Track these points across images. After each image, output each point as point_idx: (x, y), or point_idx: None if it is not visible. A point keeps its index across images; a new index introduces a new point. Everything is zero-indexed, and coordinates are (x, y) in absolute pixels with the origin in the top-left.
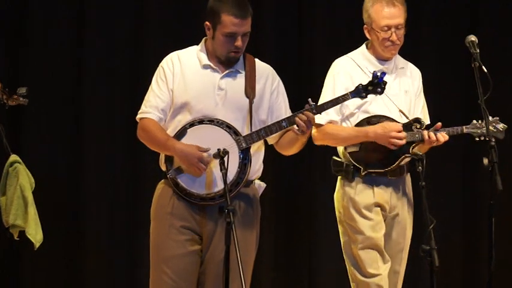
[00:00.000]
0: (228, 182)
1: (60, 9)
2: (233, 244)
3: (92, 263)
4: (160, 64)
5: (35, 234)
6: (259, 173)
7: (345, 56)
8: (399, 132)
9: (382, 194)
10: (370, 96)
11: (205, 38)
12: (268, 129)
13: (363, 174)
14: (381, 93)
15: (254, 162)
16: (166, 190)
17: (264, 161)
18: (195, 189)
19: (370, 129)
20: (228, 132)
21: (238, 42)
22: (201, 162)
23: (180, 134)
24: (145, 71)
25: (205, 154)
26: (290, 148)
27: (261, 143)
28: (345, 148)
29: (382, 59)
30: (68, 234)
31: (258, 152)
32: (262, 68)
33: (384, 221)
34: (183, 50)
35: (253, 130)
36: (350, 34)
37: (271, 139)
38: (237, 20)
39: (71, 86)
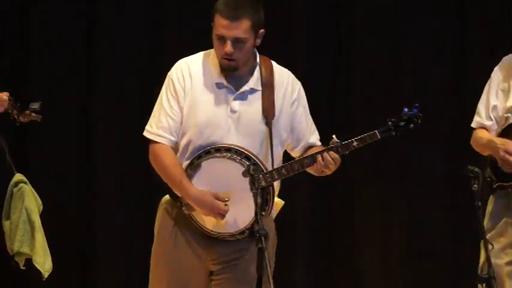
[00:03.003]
0: (247, 221)
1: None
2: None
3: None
4: (170, 75)
5: (43, 263)
6: (276, 192)
7: None
8: None
9: None
10: None
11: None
12: (290, 168)
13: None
14: (415, 126)
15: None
16: (172, 215)
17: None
18: (212, 227)
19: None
20: (246, 166)
21: (227, 48)
22: (219, 212)
23: (192, 168)
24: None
25: (222, 204)
26: (314, 173)
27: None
28: None
29: None
30: (79, 260)
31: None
32: (280, 76)
33: None
34: (193, 59)
35: (274, 154)
36: None
37: (295, 152)
38: (225, 22)
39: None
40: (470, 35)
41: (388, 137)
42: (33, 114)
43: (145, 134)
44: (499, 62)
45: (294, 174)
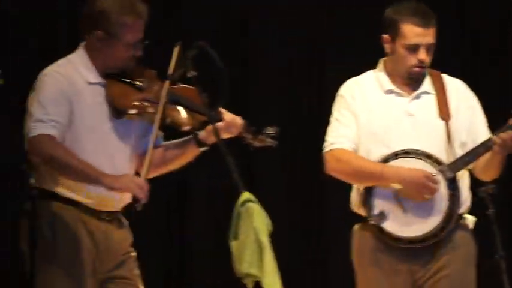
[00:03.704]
0: (439, 220)
1: None
2: None
3: None
4: (339, 93)
5: (273, 285)
6: (468, 203)
7: None
8: None
9: None
10: None
11: (383, 59)
12: (475, 153)
13: None
14: None
15: (462, 191)
16: (366, 238)
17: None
18: (403, 233)
19: None
20: (429, 162)
21: (422, 55)
22: (431, 182)
23: None
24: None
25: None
26: (489, 171)
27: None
28: None
29: None
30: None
31: (462, 180)
32: (453, 84)
33: None
34: (359, 77)
35: (455, 156)
36: None
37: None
38: (419, 29)
39: None
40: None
41: None
42: (268, 140)
43: (324, 152)
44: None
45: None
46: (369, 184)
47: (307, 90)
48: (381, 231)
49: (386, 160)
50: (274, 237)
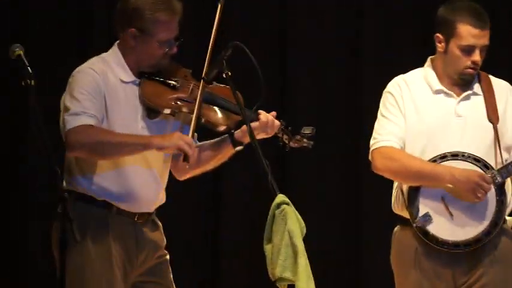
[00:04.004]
0: (486, 225)
1: None
2: None
3: None
4: (387, 90)
5: None
6: (511, 206)
7: None
8: None
9: None
10: None
11: (430, 57)
12: None
13: None
14: None
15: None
16: (408, 240)
17: None
18: (448, 236)
19: None
20: (478, 166)
21: (476, 57)
22: (485, 181)
23: None
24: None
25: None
26: None
27: None
28: None
29: None
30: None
31: (507, 184)
32: (500, 86)
33: None
34: (407, 74)
35: (501, 159)
36: None
37: None
38: (476, 31)
39: None
40: None
41: None
42: (305, 140)
43: (371, 149)
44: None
45: None
46: (417, 183)
47: (345, 90)
48: (426, 234)
49: (433, 161)
50: (308, 240)
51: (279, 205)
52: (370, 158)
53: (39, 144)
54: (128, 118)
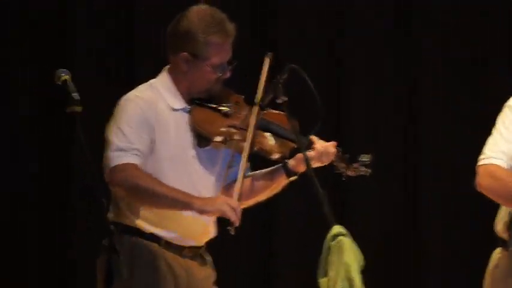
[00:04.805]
0: None
1: None
2: None
3: None
4: (507, 104)
5: None
6: None
7: None
8: None
9: None
10: None
11: None
12: None
13: None
14: None
15: None
16: (505, 264)
17: None
18: None
19: None
20: None
21: None
22: None
23: None
24: None
25: None
26: None
27: None
28: None
29: None
30: None
31: None
32: None
33: None
34: None
35: None
36: None
37: None
38: None
39: None
40: None
41: None
42: (362, 168)
43: (478, 163)
44: None
45: None
46: None
47: (400, 116)
48: None
49: None
50: (366, 273)
51: (335, 236)
52: (476, 174)
53: (85, 174)
54: (178, 147)
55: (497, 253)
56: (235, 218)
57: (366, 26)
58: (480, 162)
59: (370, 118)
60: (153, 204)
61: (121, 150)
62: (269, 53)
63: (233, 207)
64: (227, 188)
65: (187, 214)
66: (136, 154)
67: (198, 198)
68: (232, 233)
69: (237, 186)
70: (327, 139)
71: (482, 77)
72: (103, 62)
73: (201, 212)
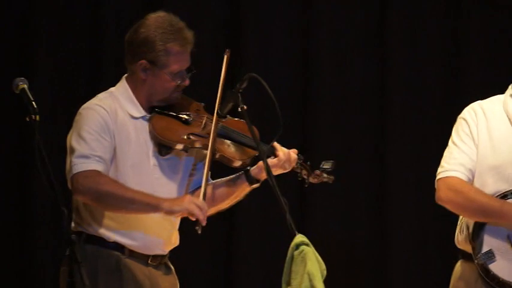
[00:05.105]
0: None
1: None
2: None
3: None
4: (462, 116)
5: None
6: None
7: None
8: None
9: None
10: None
11: None
12: None
13: None
14: None
15: None
16: (468, 276)
17: None
18: (510, 278)
19: None
20: None
21: None
22: None
23: None
24: None
25: None
26: None
27: None
28: None
29: None
30: None
31: None
32: None
33: None
34: (486, 101)
35: None
36: None
37: None
38: None
39: None
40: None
41: None
42: (325, 175)
43: (437, 177)
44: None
45: None
46: (483, 220)
47: (366, 121)
48: (487, 272)
49: (504, 197)
50: (329, 282)
51: (297, 246)
52: (436, 187)
53: (45, 183)
54: (139, 156)
55: (459, 265)
56: (202, 217)
57: (335, 27)
58: (439, 176)
59: (336, 123)
60: (120, 209)
61: (84, 157)
62: (227, 50)
63: (200, 206)
64: (191, 195)
65: (152, 221)
66: (99, 161)
67: (165, 199)
68: (200, 232)
69: (202, 188)
70: (294, 146)
71: (452, 78)
72: (63, 71)
73: (170, 212)
